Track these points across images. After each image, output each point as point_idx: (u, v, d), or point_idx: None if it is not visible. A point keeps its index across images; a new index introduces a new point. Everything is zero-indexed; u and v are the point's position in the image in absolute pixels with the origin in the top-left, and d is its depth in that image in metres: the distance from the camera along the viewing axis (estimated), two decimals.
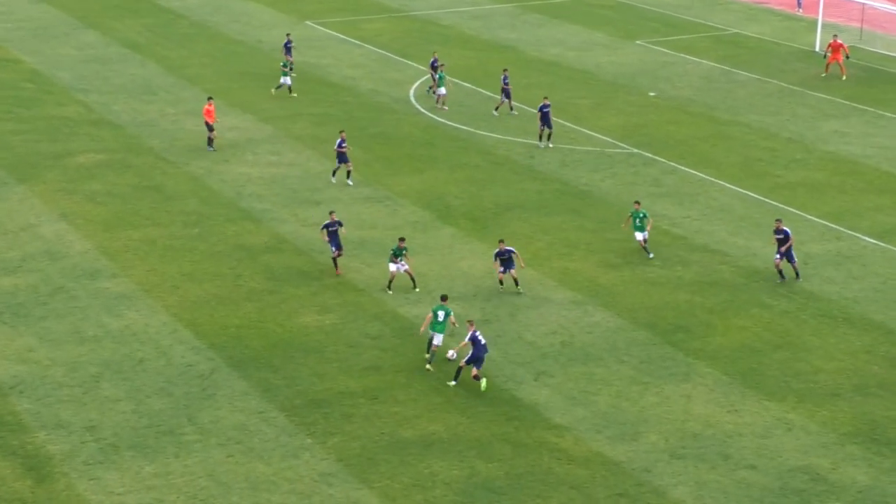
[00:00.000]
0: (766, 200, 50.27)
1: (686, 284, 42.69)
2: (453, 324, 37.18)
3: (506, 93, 60.23)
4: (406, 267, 41.71)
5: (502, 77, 60.59)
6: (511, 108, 60.68)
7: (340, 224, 43.24)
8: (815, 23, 74.86)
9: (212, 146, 55.06)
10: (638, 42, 75.36)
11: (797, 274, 42.73)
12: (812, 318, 40.37)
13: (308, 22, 79.87)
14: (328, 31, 77.71)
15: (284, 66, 64.13)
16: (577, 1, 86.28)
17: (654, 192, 51.03)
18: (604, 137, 57.56)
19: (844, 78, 66.46)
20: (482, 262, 44.02)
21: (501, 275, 41.63)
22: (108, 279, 42.57)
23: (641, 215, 44.17)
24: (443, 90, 61.50)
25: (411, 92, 64.66)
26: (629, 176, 52.88)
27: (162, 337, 38.60)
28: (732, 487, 31.40)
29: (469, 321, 36.41)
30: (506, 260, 41.39)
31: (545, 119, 55.50)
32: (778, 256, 42.45)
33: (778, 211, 49.04)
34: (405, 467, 32.02)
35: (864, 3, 74.49)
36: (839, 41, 67.31)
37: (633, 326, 39.68)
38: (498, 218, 47.96)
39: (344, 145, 51.02)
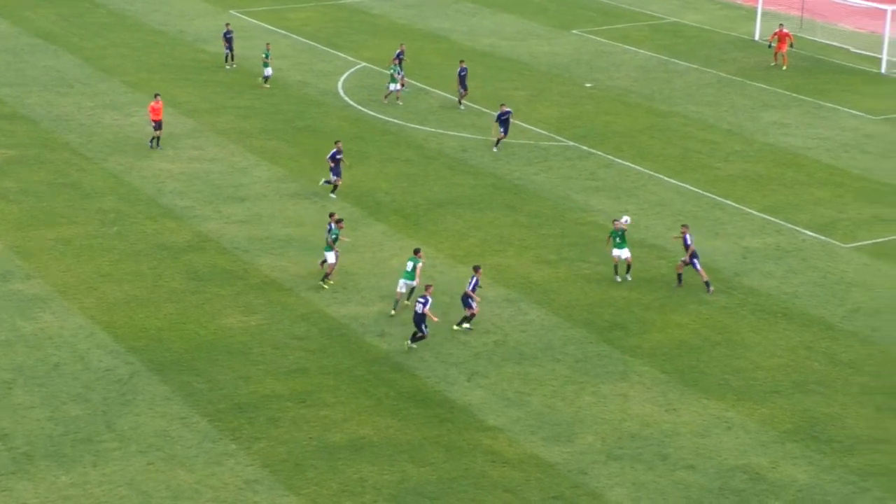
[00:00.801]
0: (705, 194, 50.75)
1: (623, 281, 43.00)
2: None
3: (463, 85, 60.25)
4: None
5: (459, 69, 60.50)
6: (460, 103, 60.54)
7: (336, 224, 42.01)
8: (754, 11, 75.63)
9: (152, 144, 54.19)
10: (574, 31, 75.76)
11: (707, 285, 42.08)
12: (751, 313, 40.83)
13: (232, 11, 79.50)
14: (253, 20, 77.41)
15: (266, 56, 63.59)
16: None
17: (590, 187, 51.35)
18: (539, 130, 57.82)
19: (785, 68, 67.21)
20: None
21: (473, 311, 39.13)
22: (22, 280, 42.17)
23: (621, 233, 42.82)
24: (395, 86, 60.89)
25: (340, 84, 64.59)
26: (565, 169, 53.18)
27: (78, 340, 38.31)
28: (671, 488, 31.70)
29: (427, 285, 38.30)
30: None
31: (504, 125, 54.62)
32: (684, 261, 42.23)
33: (717, 204, 49.54)
34: (334, 473, 32.02)
35: None
36: (785, 30, 68.03)
37: (569, 324, 39.93)
38: (430, 214, 48.05)
39: (339, 156, 49.31)
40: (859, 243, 46.13)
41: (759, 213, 48.87)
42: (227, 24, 68.13)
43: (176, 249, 44.83)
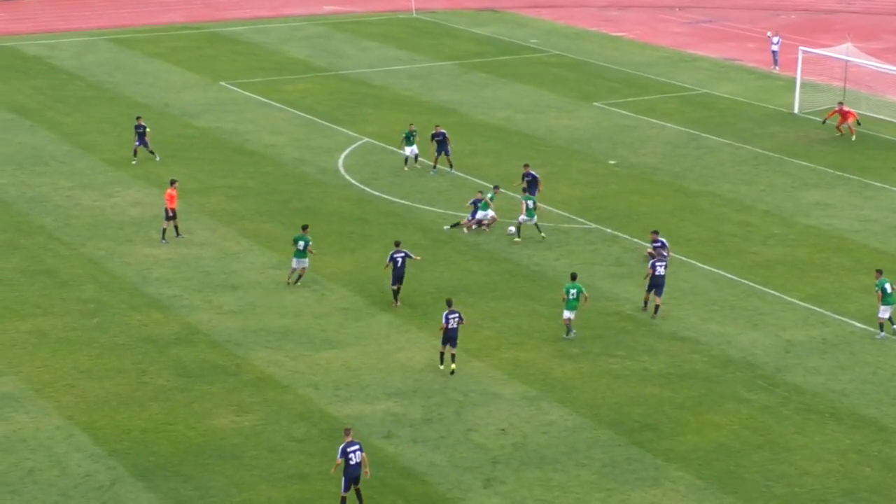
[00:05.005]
0: (742, 281, 50.92)
1: (653, 377, 43.07)
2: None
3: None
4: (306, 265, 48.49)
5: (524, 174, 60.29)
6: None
7: (408, 255, 48.13)
8: (793, 82, 76.32)
9: (164, 238, 54.06)
10: (595, 104, 76.44)
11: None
12: (796, 413, 40.82)
13: (223, 83, 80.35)
14: (246, 92, 78.21)
15: (411, 136, 63.62)
16: (525, 59, 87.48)
17: (615, 273, 51.54)
18: (558, 211, 58.12)
19: (854, 139, 68.32)
20: (422, 354, 44.20)
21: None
22: None
23: (577, 292, 45.19)
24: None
25: (340, 161, 65.10)
26: (587, 254, 53.41)
27: (55, 443, 38.34)
28: None
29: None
30: None
31: (441, 146, 62.30)
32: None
33: (755, 293, 49.65)
34: None
35: (847, 60, 75.93)
36: (847, 108, 69.00)
37: (595, 425, 39.93)
38: (440, 303, 48.07)
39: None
40: None
41: (801, 303, 48.99)
42: (139, 118, 65.38)
43: (162, 343, 44.98)
